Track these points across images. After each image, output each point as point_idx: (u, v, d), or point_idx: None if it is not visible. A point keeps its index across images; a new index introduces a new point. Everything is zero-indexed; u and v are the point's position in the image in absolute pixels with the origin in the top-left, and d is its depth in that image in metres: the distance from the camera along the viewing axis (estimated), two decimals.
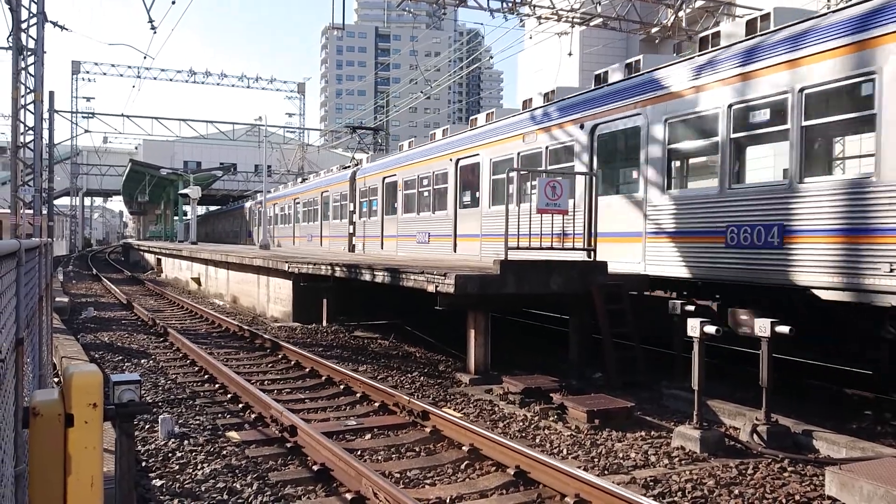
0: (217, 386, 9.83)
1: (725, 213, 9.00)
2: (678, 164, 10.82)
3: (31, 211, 20.00)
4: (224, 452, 6.79)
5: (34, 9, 19.16)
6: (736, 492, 5.78)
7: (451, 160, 16.75)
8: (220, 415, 8.33)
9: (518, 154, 13.86)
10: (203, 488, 5.83)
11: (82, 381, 2.73)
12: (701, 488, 5.84)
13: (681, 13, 22.26)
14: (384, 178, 21.33)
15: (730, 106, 9.13)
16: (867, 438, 7.01)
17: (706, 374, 7.24)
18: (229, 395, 9.19)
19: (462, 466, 6.43)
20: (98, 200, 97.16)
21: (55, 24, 21.93)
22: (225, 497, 5.66)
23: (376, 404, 8.66)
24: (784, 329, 7.15)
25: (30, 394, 3.53)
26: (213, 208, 75.29)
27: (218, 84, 55.36)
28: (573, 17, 22.38)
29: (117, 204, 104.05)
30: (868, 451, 6.54)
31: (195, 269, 27.77)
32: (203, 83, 54.45)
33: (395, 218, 20.27)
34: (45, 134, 21.82)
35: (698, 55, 10.15)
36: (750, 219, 8.76)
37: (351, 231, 24.31)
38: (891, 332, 7.34)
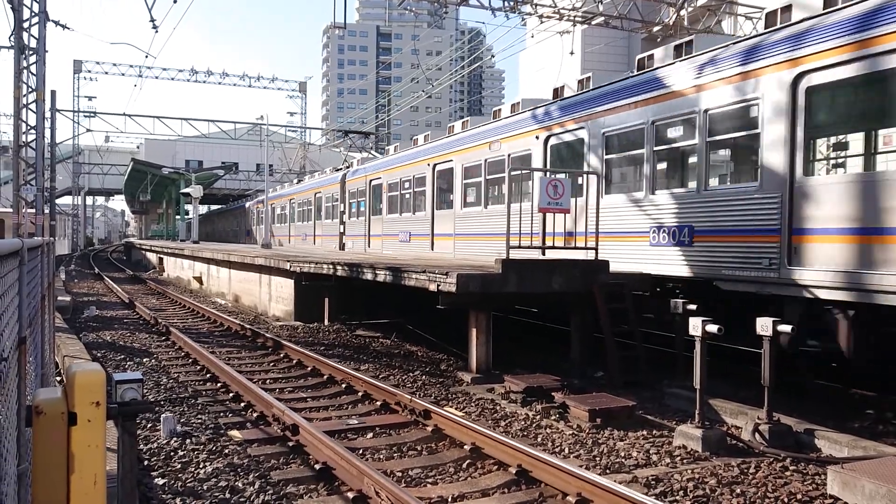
0: (219, 385, 9.84)
1: (649, 216, 10.14)
2: (613, 172, 11.95)
3: (33, 210, 20.01)
4: (226, 451, 6.80)
5: (36, 8, 19.15)
6: (738, 491, 5.78)
7: (428, 165, 17.90)
8: (221, 413, 8.34)
9: (485, 160, 15.05)
10: (205, 487, 5.84)
11: (85, 380, 2.73)
12: (703, 487, 5.84)
13: (682, 12, 22.25)
14: (370, 180, 22.45)
15: (652, 123, 10.48)
16: (869, 437, 7.01)
17: (708, 373, 7.25)
18: (231, 394, 9.19)
19: (464, 465, 6.43)
20: (100, 200, 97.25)
21: (57, 23, 21.94)
22: (227, 496, 5.66)
23: (378, 403, 8.67)
24: (786, 328, 7.16)
25: (32, 393, 3.54)
26: (214, 207, 75.39)
27: (219, 83, 55.46)
28: (575, 16, 22.38)
29: (119, 203, 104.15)
30: (870, 450, 6.54)
31: (197, 268, 27.79)
32: (205, 82, 54.59)
33: (381, 218, 21.43)
34: (47, 133, 21.82)
35: (631, 76, 11.50)
36: (667, 221, 9.99)
37: (341, 230, 25.51)
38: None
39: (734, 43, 9.66)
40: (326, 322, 16.27)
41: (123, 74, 53.35)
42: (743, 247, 8.91)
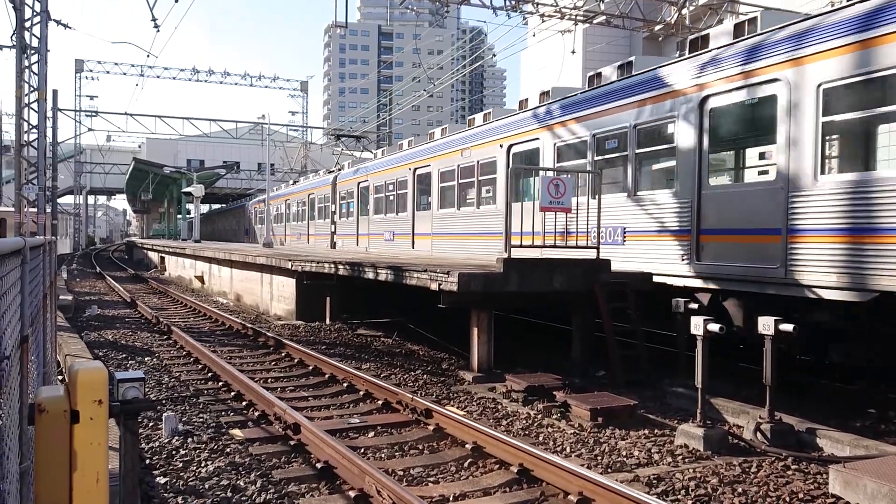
0: (221, 384, 9.84)
1: (594, 218, 10.90)
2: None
3: (35, 209, 20.02)
4: (228, 450, 6.80)
5: (37, 7, 19.16)
6: (739, 490, 5.77)
7: (409, 169, 19.30)
8: (223, 412, 8.35)
9: (458, 166, 16.40)
10: (207, 486, 5.84)
11: (88, 378, 2.74)
12: (704, 486, 5.84)
13: (684, 11, 22.23)
14: (359, 182, 23.87)
15: (594, 136, 11.77)
16: (871, 436, 7.01)
17: (709, 372, 7.24)
18: (233, 393, 9.20)
19: (465, 464, 6.43)
20: (101, 199, 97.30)
21: (58, 22, 21.95)
22: (228, 495, 5.67)
23: (379, 402, 8.67)
24: (788, 327, 7.15)
25: (34, 391, 3.54)
26: (215, 207, 75.47)
27: (221, 82, 55.54)
28: (576, 15, 22.36)
29: (121, 202, 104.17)
30: (872, 449, 6.53)
31: (198, 268, 27.82)
32: (206, 81, 54.60)
33: (368, 218, 22.87)
34: (49, 132, 21.85)
35: (580, 92, 12.72)
36: (606, 222, 10.96)
37: (332, 230, 27.07)
38: (680, 305, 9.44)
39: (661, 66, 10.81)
40: (328, 321, 16.28)
41: (125, 74, 53.43)
42: (663, 245, 10.10)
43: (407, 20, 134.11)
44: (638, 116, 10.80)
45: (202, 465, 6.36)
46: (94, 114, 49.41)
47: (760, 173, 10.49)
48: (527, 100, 15.06)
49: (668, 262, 10.16)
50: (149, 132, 49.54)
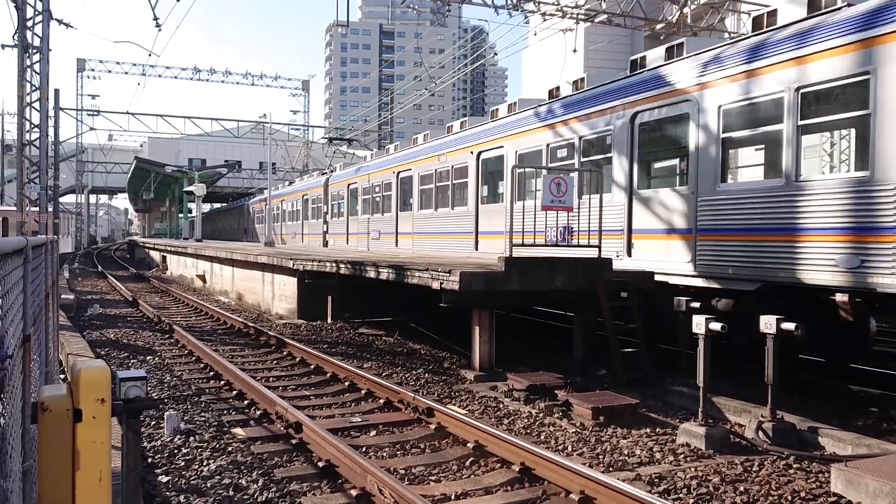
0: (222, 383, 9.85)
1: (543, 219, 11.75)
2: (525, 183, 14.18)
3: (36, 208, 20.05)
4: (230, 449, 6.81)
5: (39, 6, 19.18)
6: (741, 488, 5.77)
7: (394, 172, 20.68)
8: (225, 411, 8.36)
9: (435, 170, 17.73)
10: (209, 484, 5.85)
11: (90, 377, 2.74)
12: (706, 485, 5.84)
13: (685, 9, 22.20)
14: (349, 184, 25.35)
15: (547, 145, 13.16)
16: (873, 435, 7.00)
17: (711, 370, 7.24)
18: (234, 392, 9.21)
19: (467, 463, 6.44)
20: (103, 198, 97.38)
21: (60, 21, 21.95)
22: (231, 493, 5.68)
23: (381, 401, 8.67)
24: (790, 326, 7.14)
25: (37, 390, 3.55)
26: (216, 206, 75.54)
27: (222, 81, 55.53)
28: (578, 14, 22.34)
29: (122, 201, 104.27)
30: (874, 448, 6.53)
31: (200, 267, 27.84)
32: (208, 80, 54.60)
33: (357, 219, 24.38)
34: (51, 131, 21.87)
35: (537, 105, 14.09)
36: (553, 223, 11.78)
37: (325, 229, 28.49)
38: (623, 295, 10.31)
39: (603, 84, 12.18)
40: (329, 320, 16.29)
41: (126, 73, 53.43)
42: (605, 243, 10.76)
43: (408, 19, 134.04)
44: (583, 129, 12.19)
45: (204, 463, 6.37)
46: (95, 113, 49.41)
47: (679, 181, 11.31)
48: (497, 110, 16.46)
49: (618, 260, 11.34)
50: (150, 131, 49.51)
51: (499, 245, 14.34)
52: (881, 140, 7.57)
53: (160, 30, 20.31)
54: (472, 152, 15.88)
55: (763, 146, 10.65)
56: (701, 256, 9.83)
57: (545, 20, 22.95)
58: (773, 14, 9.59)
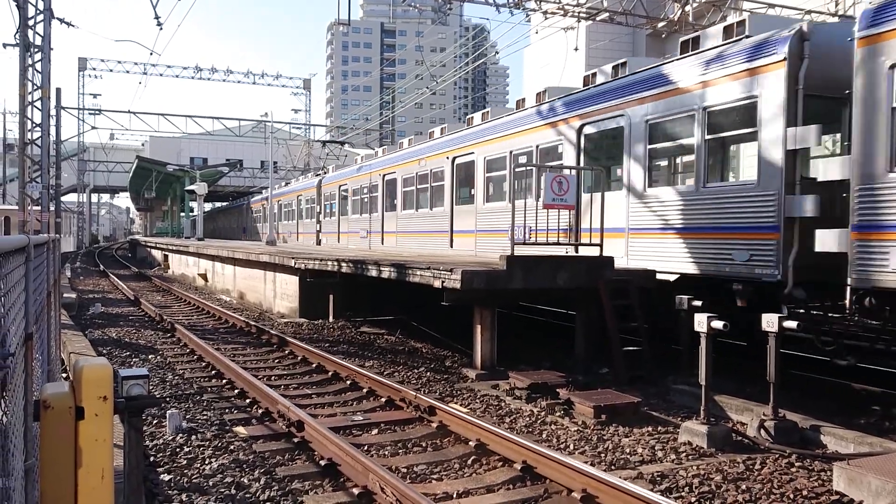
0: (224, 381, 9.86)
1: (508, 219, 12.39)
2: (491, 186, 15.85)
3: (38, 207, 20.07)
4: (231, 447, 6.82)
5: (41, 5, 19.20)
6: (743, 487, 5.77)
7: (380, 175, 22.07)
8: (227, 410, 8.36)
9: (416, 174, 19.12)
10: (211, 483, 5.86)
11: (93, 374, 2.74)
12: (708, 483, 5.83)
13: (687, 7, 22.17)
14: (340, 186, 26.78)
15: (511, 152, 14.51)
16: (875, 433, 6.99)
17: (713, 369, 7.23)
18: (236, 391, 9.22)
19: (469, 461, 6.44)
20: (105, 197, 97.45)
21: (62, 20, 21.94)
22: (233, 492, 5.68)
23: (383, 399, 8.68)
24: (792, 324, 7.14)
25: (39, 388, 3.55)
26: (218, 205, 75.58)
27: (224, 80, 55.40)
28: (579, 12, 22.30)
29: (124, 200, 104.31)
30: (876, 446, 6.52)
31: (202, 265, 27.86)
32: (209, 79, 54.53)
33: (347, 218, 25.83)
34: (53, 131, 21.88)
35: (504, 115, 15.65)
36: (519, 221, 12.69)
37: (318, 228, 29.87)
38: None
39: (558, 98, 13.40)
40: (331, 319, 16.29)
41: (128, 72, 53.33)
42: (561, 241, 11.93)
43: (410, 17, 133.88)
44: (539, 139, 13.53)
45: (206, 462, 6.38)
46: (97, 112, 49.39)
47: (616, 187, 12.21)
48: (472, 118, 17.56)
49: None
50: (152, 130, 49.56)
51: (470, 243, 16.13)
52: (764, 153, 8.88)
53: (161, 29, 20.32)
54: (447, 157, 17.24)
55: (680, 156, 11.77)
56: (632, 252, 11.12)
57: (546, 18, 22.91)
58: (696, 40, 10.74)
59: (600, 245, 10.51)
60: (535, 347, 12.35)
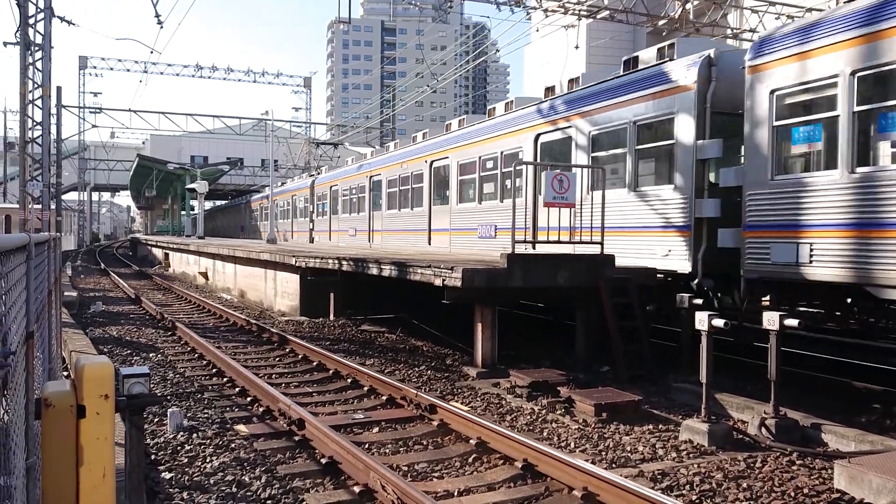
0: (225, 380, 9.86)
1: (476, 218, 15.20)
2: (463, 188, 16.95)
3: (39, 206, 20.07)
4: (232, 446, 6.82)
5: (41, 4, 19.19)
6: (744, 485, 5.77)
7: (367, 177, 23.37)
8: (228, 408, 8.37)
9: (399, 176, 20.66)
10: (212, 481, 5.86)
11: (94, 373, 2.74)
12: (709, 481, 5.84)
13: (688, 5, 22.14)
14: (331, 186, 28.17)
15: (479, 157, 15.83)
16: (876, 432, 6.99)
17: (714, 367, 7.23)
18: (237, 389, 9.22)
19: (470, 460, 6.44)
20: (106, 195, 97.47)
21: (62, 19, 21.92)
22: (234, 490, 5.68)
23: (384, 398, 8.68)
24: (793, 322, 7.14)
25: (40, 387, 3.55)
26: (218, 203, 75.61)
27: (224, 78, 55.34)
28: (580, 10, 22.27)
29: (125, 199, 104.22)
30: (877, 444, 6.52)
31: (202, 264, 27.86)
32: (209, 78, 54.45)
33: (338, 217, 27.20)
34: (53, 129, 21.85)
35: (476, 123, 16.95)
36: (485, 221, 14.84)
37: (311, 227, 31.22)
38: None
39: (520, 108, 14.81)
40: (332, 317, 16.30)
41: (129, 70, 53.24)
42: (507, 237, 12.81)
43: (410, 16, 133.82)
44: (503, 146, 14.77)
45: (207, 460, 6.38)
46: (97, 110, 49.35)
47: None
48: (450, 125, 18.93)
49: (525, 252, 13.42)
50: (152, 129, 49.53)
51: (445, 240, 17.62)
52: (679, 162, 10.21)
53: (162, 27, 20.31)
54: (426, 161, 18.59)
55: (616, 164, 12.43)
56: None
57: (547, 16, 22.89)
58: (636, 60, 11.95)
59: (601, 243, 10.50)
60: (536, 346, 12.35)
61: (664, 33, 24.80)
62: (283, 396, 8.00)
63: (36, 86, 19.72)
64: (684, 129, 10.07)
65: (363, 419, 7.77)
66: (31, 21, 19.28)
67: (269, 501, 5.49)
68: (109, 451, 2.75)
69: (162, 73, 53.53)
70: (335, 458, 6.17)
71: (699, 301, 9.38)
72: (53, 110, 21.30)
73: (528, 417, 7.89)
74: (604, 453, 6.60)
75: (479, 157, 15.68)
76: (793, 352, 10.63)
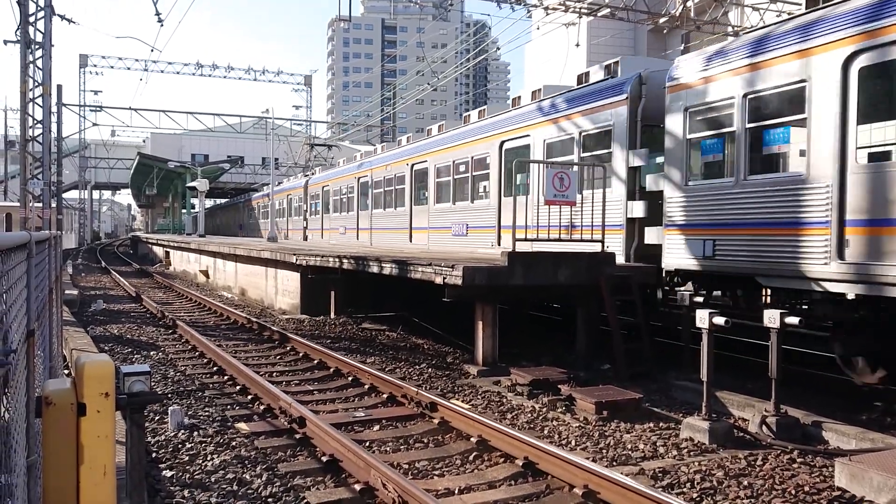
0: (226, 378, 9.87)
1: (451, 216, 16.33)
2: (441, 188, 18.03)
3: (40, 204, 20.06)
4: (233, 444, 6.83)
5: (42, 2, 19.17)
6: (745, 483, 5.77)
7: (355, 178, 24.67)
8: (229, 406, 8.37)
9: (384, 177, 21.93)
10: (213, 479, 5.87)
11: (95, 371, 2.74)
12: (710, 479, 5.84)
13: (689, 3, 22.10)
14: (323, 186, 29.35)
15: (453, 162, 17.04)
16: (877, 430, 6.99)
17: (715, 365, 7.23)
18: (238, 387, 9.23)
19: (470, 458, 6.44)
20: (106, 194, 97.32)
21: (63, 17, 21.89)
22: (234, 488, 5.69)
23: (384, 396, 8.68)
24: (794, 320, 7.13)
25: (41, 385, 3.55)
26: (219, 202, 75.63)
27: (225, 77, 55.35)
28: (580, 8, 22.23)
29: (125, 197, 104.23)
30: (878, 442, 6.52)
31: (203, 262, 27.87)
32: (210, 76, 54.48)
33: (329, 216, 28.53)
34: (54, 127, 21.83)
35: (453, 129, 18.18)
36: (458, 219, 16.05)
37: (305, 225, 32.56)
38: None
39: (485, 118, 16.34)
40: (332, 315, 16.30)
41: (129, 68, 53.20)
42: (488, 236, 14.86)
43: (410, 14, 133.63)
44: (474, 151, 15.99)
45: (208, 458, 6.39)
46: (98, 109, 49.31)
47: (524, 191, 14.24)
48: (430, 130, 20.39)
49: (490, 248, 14.81)
50: (153, 127, 49.59)
51: (424, 238, 18.75)
52: (615, 169, 11.43)
53: (162, 25, 20.30)
54: (407, 164, 19.89)
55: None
56: (538, 245, 12.42)
57: (548, 14, 22.85)
58: (588, 75, 13.16)
59: (602, 241, 10.50)
60: (537, 344, 12.35)
61: (665, 31, 24.77)
62: (283, 394, 8.00)
63: (36, 84, 19.70)
64: (619, 139, 11.36)
65: (364, 417, 7.77)
66: (32, 19, 19.26)
67: (269, 499, 5.49)
68: (110, 449, 2.75)
69: (162, 72, 53.54)
70: (336, 456, 6.17)
71: (699, 299, 9.38)
72: (54, 108, 21.30)
73: (529, 415, 7.89)
74: (604, 451, 6.60)
75: (454, 161, 16.95)
76: (793, 349, 10.62)
